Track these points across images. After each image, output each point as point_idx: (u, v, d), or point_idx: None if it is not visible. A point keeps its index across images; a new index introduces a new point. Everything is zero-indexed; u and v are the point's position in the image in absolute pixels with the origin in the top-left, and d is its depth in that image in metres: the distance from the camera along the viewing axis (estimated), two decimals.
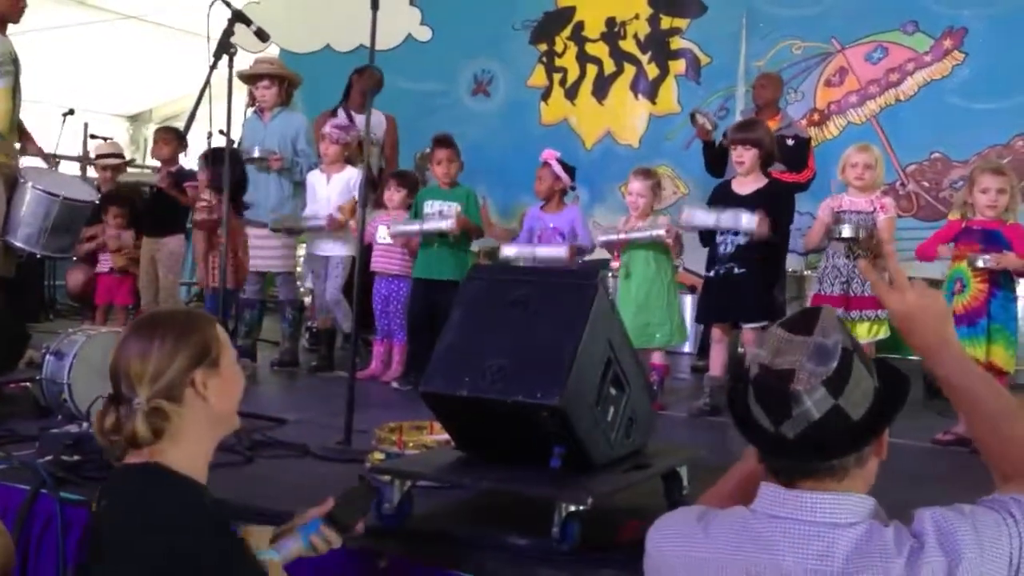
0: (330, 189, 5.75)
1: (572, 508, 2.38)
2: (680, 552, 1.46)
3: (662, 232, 4.83)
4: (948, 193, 6.78)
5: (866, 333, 4.44)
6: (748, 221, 4.48)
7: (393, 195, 5.62)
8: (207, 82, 3.87)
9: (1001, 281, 4.08)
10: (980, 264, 4.00)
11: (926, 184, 7.08)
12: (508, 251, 5.17)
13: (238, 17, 4.01)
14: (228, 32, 3.93)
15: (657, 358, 4.88)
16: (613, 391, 2.70)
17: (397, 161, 6.78)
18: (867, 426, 1.40)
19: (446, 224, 5.09)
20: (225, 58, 3.93)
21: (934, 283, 4.56)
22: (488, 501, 2.90)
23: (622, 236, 4.89)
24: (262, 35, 4.21)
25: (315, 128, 6.13)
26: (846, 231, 4.38)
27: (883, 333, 4.50)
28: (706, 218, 4.66)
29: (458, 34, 8.56)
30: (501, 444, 2.66)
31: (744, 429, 1.47)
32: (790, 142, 5.78)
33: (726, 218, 4.55)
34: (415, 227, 5.26)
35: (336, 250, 5.71)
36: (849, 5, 7.36)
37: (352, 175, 5.63)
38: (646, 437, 2.90)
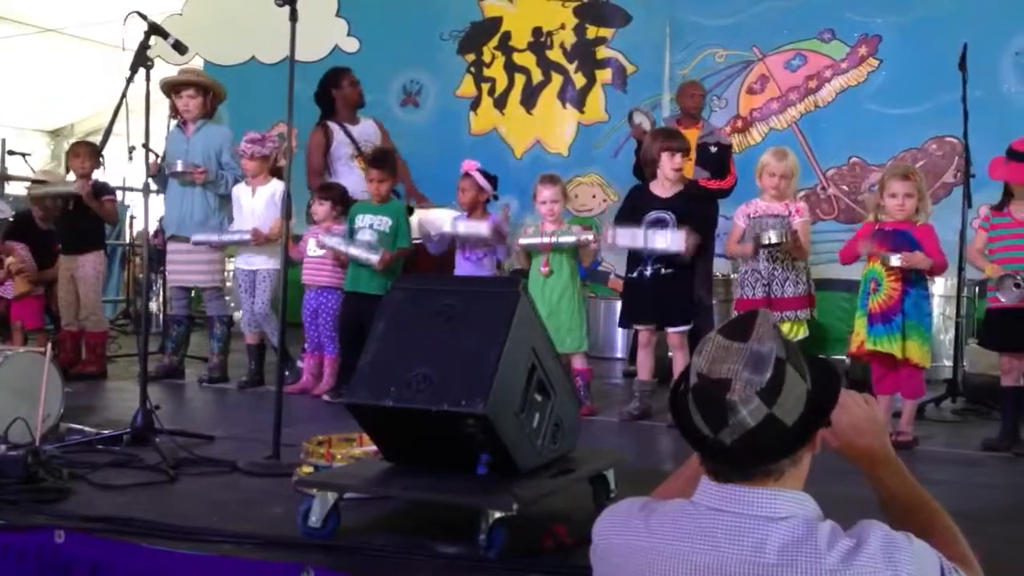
0: (255, 202, 5.69)
1: (498, 515, 2.40)
2: (625, 541, 1.50)
3: (589, 237, 4.89)
4: (866, 196, 6.97)
5: (786, 334, 4.53)
6: (674, 241, 4.54)
7: (317, 208, 5.59)
8: (123, 96, 3.81)
9: (913, 279, 4.22)
10: (893, 262, 4.13)
11: (845, 188, 7.28)
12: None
13: (154, 30, 3.95)
14: (144, 45, 3.88)
15: (578, 363, 4.92)
16: (538, 397, 2.72)
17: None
18: (801, 431, 1.45)
19: (372, 259, 5.15)
20: (142, 71, 3.88)
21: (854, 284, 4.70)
22: (416, 510, 2.91)
23: (546, 240, 4.91)
24: (180, 48, 4.16)
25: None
26: (772, 237, 4.46)
27: (802, 333, 4.62)
28: (632, 239, 4.70)
29: (385, 45, 8.55)
30: (428, 453, 2.67)
31: (685, 434, 1.50)
32: (713, 149, 5.90)
33: (652, 240, 4.59)
34: (342, 248, 5.27)
35: (263, 264, 5.66)
36: (768, 14, 7.53)
37: (277, 188, 5.58)
38: (573, 442, 2.93)
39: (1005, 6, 6.83)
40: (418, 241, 5.46)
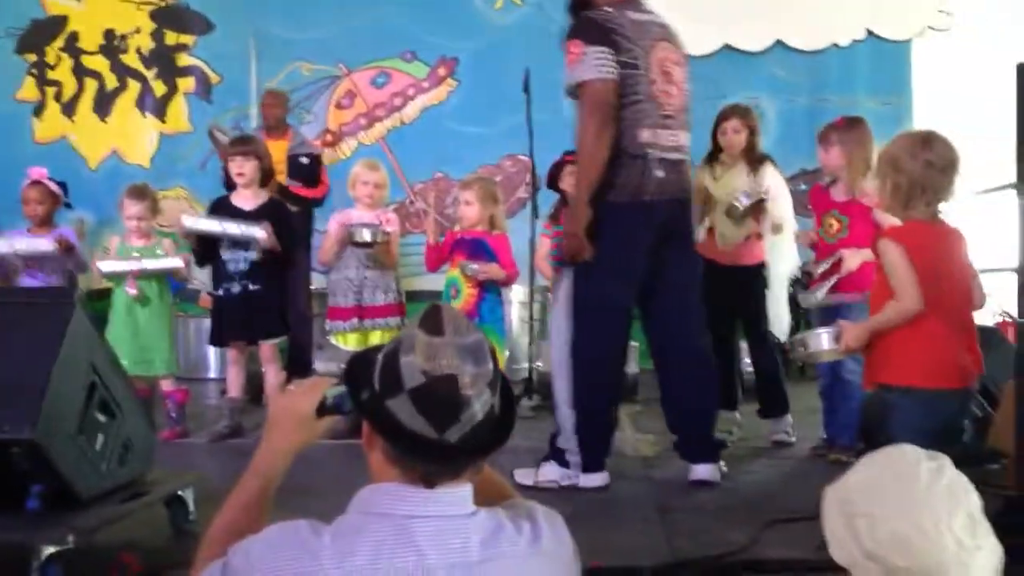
0: None
1: (52, 549, 2.15)
2: (307, 571, 1.29)
3: (180, 263, 4.64)
4: (452, 210, 7.34)
5: (378, 341, 4.63)
6: (254, 229, 4.46)
7: None
8: None
9: (489, 286, 4.51)
10: (468, 272, 4.39)
11: (431, 202, 7.61)
12: None
13: None
14: None
15: (167, 385, 4.64)
16: (101, 417, 2.50)
17: None
18: (505, 417, 1.43)
19: None
20: None
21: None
22: None
23: (133, 268, 4.59)
24: None
25: None
26: (366, 235, 4.54)
27: None
28: (210, 224, 4.55)
29: None
30: None
31: (397, 441, 1.36)
32: (304, 160, 5.85)
33: (232, 225, 4.48)
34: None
35: None
36: (353, 32, 7.67)
37: None
38: (147, 464, 2.73)
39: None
40: None
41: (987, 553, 1.26)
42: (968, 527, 1.24)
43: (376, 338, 4.65)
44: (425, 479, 1.35)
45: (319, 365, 5.79)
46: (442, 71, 7.72)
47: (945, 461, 1.31)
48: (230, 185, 4.86)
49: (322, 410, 1.56)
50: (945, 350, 2.61)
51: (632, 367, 5.98)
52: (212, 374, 6.93)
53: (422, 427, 1.33)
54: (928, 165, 2.60)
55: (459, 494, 1.36)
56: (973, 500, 1.28)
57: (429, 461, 1.35)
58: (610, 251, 3.44)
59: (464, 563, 1.31)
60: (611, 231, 3.43)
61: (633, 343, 6.35)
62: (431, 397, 1.33)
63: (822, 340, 2.94)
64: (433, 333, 1.35)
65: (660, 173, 3.47)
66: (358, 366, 1.45)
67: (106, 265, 4.66)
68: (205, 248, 4.59)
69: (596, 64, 3.32)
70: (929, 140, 2.65)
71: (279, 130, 5.96)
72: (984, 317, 5.40)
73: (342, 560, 1.28)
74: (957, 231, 2.71)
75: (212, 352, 6.84)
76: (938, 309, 2.59)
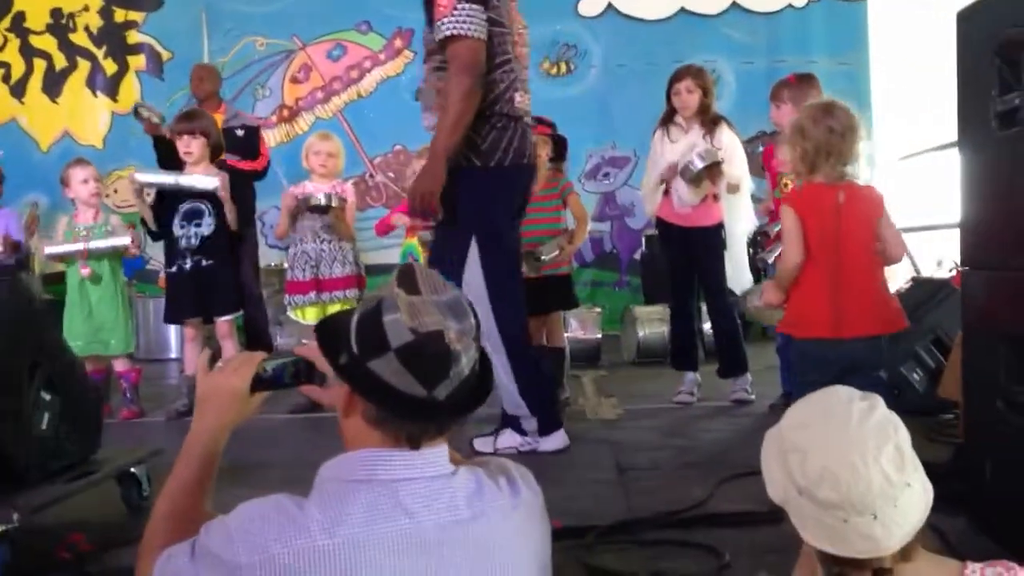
0: None
1: None
2: (301, 547, 1.24)
3: (127, 242, 4.58)
4: (411, 181, 7.29)
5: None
6: (210, 182, 4.42)
7: None
8: None
9: None
10: (425, 237, 4.35)
11: (392, 175, 7.56)
12: None
13: None
14: None
15: (121, 365, 4.60)
16: (46, 396, 2.45)
17: None
18: (484, 371, 1.40)
19: None
20: None
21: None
22: None
23: (79, 248, 4.51)
24: None
25: None
26: (321, 199, 4.54)
27: None
28: (163, 176, 4.53)
29: None
30: None
31: (383, 403, 1.32)
32: (240, 132, 5.72)
33: (185, 177, 4.44)
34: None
35: None
36: (307, 5, 7.58)
37: None
38: (95, 442, 2.69)
39: (518, 8, 7.51)
40: None
41: (917, 490, 1.27)
42: (896, 462, 1.25)
43: (335, 311, 4.62)
44: (410, 439, 1.33)
45: (281, 341, 5.76)
46: (398, 43, 7.65)
47: (877, 400, 1.32)
48: (164, 163, 4.81)
49: (258, 384, 1.52)
50: (816, 301, 2.81)
51: (595, 332, 6.01)
52: (174, 354, 6.90)
53: (410, 385, 1.30)
54: (830, 131, 2.78)
55: (440, 454, 1.35)
56: (902, 435, 1.29)
57: (417, 420, 1.33)
58: (505, 217, 3.40)
59: (455, 521, 1.30)
60: (503, 195, 3.38)
61: (596, 308, 6.41)
62: (420, 354, 1.30)
63: (754, 297, 3.18)
64: (411, 292, 1.32)
65: (532, 137, 3.48)
66: (330, 331, 1.40)
67: (51, 248, 4.59)
68: (158, 223, 4.53)
69: (469, 20, 3.20)
70: (831, 108, 2.84)
71: (211, 104, 5.81)
72: (936, 270, 5.49)
73: (333, 529, 1.24)
74: (866, 191, 2.88)
75: (173, 332, 6.80)
76: (824, 265, 2.80)
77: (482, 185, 3.34)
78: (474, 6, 3.22)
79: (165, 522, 1.46)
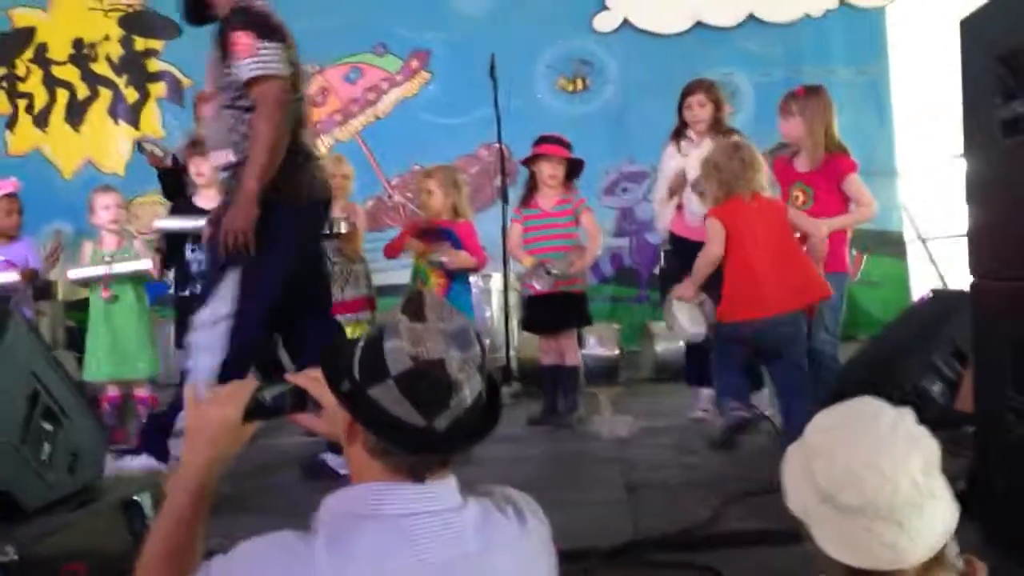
0: None
1: None
2: None
3: (149, 265, 4.63)
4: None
5: (349, 336, 4.60)
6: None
7: None
8: None
9: (456, 275, 4.48)
10: (435, 264, 4.37)
11: (409, 195, 7.57)
12: None
13: None
14: None
15: (141, 390, 4.63)
16: (47, 426, 2.46)
17: None
18: (492, 403, 1.37)
19: None
20: None
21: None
22: None
23: (103, 270, 4.57)
24: None
25: None
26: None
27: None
28: (183, 222, 4.54)
29: None
30: None
31: (381, 431, 1.29)
32: None
33: (203, 221, 4.47)
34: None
35: None
36: (323, 29, 7.60)
37: None
38: (98, 471, 2.69)
39: (533, 26, 7.53)
40: None
41: (943, 504, 1.23)
42: (925, 470, 1.21)
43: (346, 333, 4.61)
44: (412, 472, 1.29)
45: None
46: (415, 63, 7.68)
47: (907, 412, 1.29)
48: (169, 194, 4.87)
49: (255, 413, 1.45)
50: (740, 289, 3.70)
51: (613, 348, 5.97)
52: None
53: (408, 414, 1.27)
54: (741, 162, 3.75)
55: (447, 487, 1.31)
56: (933, 448, 1.25)
57: (415, 451, 1.29)
58: (287, 256, 3.32)
59: (463, 555, 1.27)
60: (297, 235, 3.34)
61: (615, 325, 6.36)
62: (419, 383, 1.26)
63: (670, 304, 3.99)
64: (416, 319, 1.29)
65: (321, 174, 3.47)
66: (334, 357, 1.38)
67: (74, 272, 4.64)
68: (171, 250, 4.57)
69: (273, 59, 3.20)
70: (739, 146, 3.84)
71: None
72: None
73: (341, 567, 1.21)
74: (774, 204, 3.84)
75: None
76: (745, 258, 3.70)
77: (286, 222, 3.28)
78: (277, 44, 3.23)
79: (157, 562, 1.38)
